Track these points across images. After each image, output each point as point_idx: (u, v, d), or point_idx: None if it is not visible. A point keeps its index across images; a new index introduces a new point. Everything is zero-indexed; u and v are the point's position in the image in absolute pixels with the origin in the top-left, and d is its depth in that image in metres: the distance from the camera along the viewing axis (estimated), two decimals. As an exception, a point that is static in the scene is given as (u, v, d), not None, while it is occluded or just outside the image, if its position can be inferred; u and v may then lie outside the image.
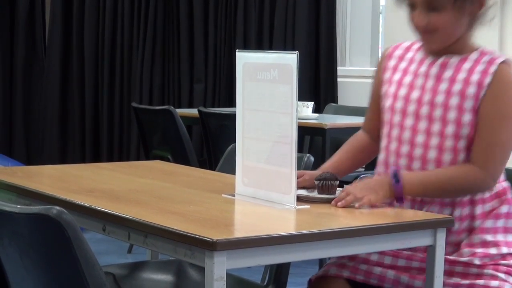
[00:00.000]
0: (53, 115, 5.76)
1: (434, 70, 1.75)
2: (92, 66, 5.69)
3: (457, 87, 1.69)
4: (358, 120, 3.63)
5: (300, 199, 1.75)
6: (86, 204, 1.82)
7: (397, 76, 1.81)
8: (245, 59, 1.91)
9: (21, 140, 5.87)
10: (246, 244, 1.52)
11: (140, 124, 4.32)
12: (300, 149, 2.03)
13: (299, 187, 1.78)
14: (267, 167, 1.86)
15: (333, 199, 1.71)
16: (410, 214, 1.83)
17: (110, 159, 5.56)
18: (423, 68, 1.76)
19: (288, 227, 1.74)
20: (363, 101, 4.50)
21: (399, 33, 5.43)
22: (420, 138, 1.73)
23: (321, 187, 1.71)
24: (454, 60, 1.73)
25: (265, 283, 2.25)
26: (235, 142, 1.98)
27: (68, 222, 1.39)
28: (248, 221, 1.83)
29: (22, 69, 5.78)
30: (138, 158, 5.23)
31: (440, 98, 1.71)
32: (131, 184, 2.22)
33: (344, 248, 1.68)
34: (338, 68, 5.11)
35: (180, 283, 2.37)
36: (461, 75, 1.70)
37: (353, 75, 5.23)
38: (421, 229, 1.71)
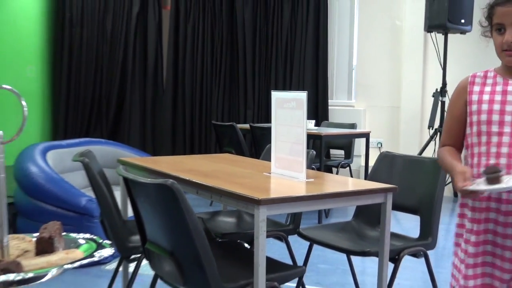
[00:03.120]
0: (168, 127, 7.30)
1: None
2: (189, 97, 7.35)
3: None
4: (340, 131, 5.67)
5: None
6: (187, 178, 2.34)
7: (486, 97, 1.81)
8: (276, 95, 2.50)
9: (150, 141, 7.40)
10: (277, 201, 2.01)
11: (217, 132, 6.00)
12: (307, 147, 2.41)
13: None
14: (289, 157, 2.42)
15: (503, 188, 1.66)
16: (369, 184, 2.44)
17: (199, 152, 7.23)
18: (510, 87, 1.78)
19: (300, 191, 2.20)
20: (343, 120, 6.43)
21: (364, 82, 6.99)
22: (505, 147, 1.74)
23: (491, 180, 1.65)
24: None
25: (287, 223, 2.90)
26: (270, 143, 2.58)
27: (177, 189, 1.83)
28: (278, 188, 2.32)
29: (151, 99, 7.37)
30: (215, 152, 6.73)
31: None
32: (212, 166, 2.77)
33: (330, 204, 2.34)
34: (329, 100, 6.94)
35: (240, 223, 3.00)
36: None
37: (337, 105, 7.06)
38: (377, 193, 2.26)
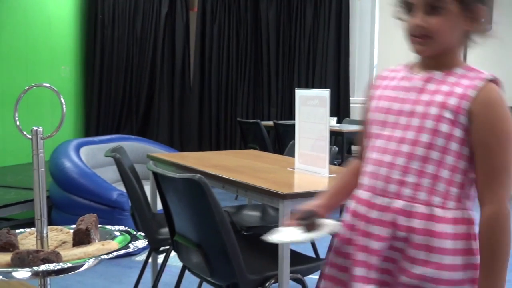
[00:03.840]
0: (194, 124, 7.32)
1: (418, 83, 1.34)
2: (215, 95, 7.34)
3: (439, 98, 1.28)
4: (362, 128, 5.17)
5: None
6: (213, 173, 2.33)
7: (386, 92, 1.41)
8: (300, 93, 2.48)
9: (177, 137, 7.40)
10: (301, 195, 2.00)
11: (241, 129, 6.03)
12: (329, 143, 2.40)
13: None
14: (312, 153, 2.40)
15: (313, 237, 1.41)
16: None
17: (224, 148, 7.20)
18: (406, 83, 1.37)
19: (324, 186, 2.11)
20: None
21: None
22: (392, 146, 1.33)
23: (307, 226, 1.39)
24: (438, 74, 1.32)
25: None
26: (294, 139, 2.56)
27: (204, 183, 1.83)
28: (301, 182, 2.33)
29: (178, 97, 7.38)
30: (240, 148, 6.65)
31: (420, 108, 1.30)
32: (237, 162, 2.77)
33: None
34: (350, 98, 6.91)
35: (264, 216, 2.98)
36: (445, 87, 1.29)
37: (358, 102, 6.74)
38: None
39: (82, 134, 7.10)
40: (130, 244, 0.61)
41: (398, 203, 1.31)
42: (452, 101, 1.27)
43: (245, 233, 2.69)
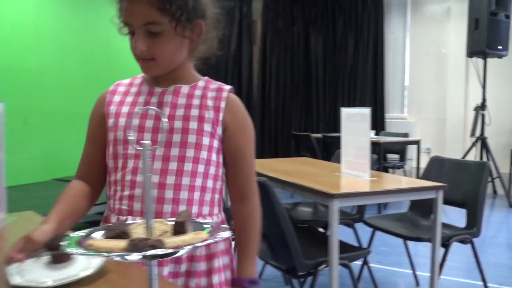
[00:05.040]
0: (257, 136, 7.07)
1: (167, 98, 1.10)
2: (274, 113, 7.34)
3: (194, 112, 1.08)
4: (396, 139, 5.29)
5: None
6: (275, 176, 2.35)
7: (126, 109, 1.11)
8: (345, 111, 2.44)
9: None
10: (347, 195, 1.98)
11: (295, 140, 5.89)
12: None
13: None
14: (355, 160, 2.38)
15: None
16: (423, 182, 2.27)
17: (281, 156, 6.76)
18: (154, 98, 1.11)
19: (366, 188, 2.13)
20: (397, 130, 6.14)
21: (415, 99, 6.65)
22: (157, 165, 1.06)
23: (55, 258, 0.94)
24: (184, 88, 1.11)
25: (354, 213, 2.80)
26: (339, 149, 2.57)
27: (268, 185, 1.83)
28: (347, 184, 2.25)
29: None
30: (294, 156, 6.73)
31: (178, 124, 1.07)
32: (293, 167, 2.75)
33: (391, 198, 2.16)
34: (385, 114, 6.84)
35: (315, 212, 2.94)
36: (196, 101, 1.10)
37: (392, 118, 6.83)
38: (430, 190, 2.17)
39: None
40: (216, 234, 0.62)
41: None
42: (210, 114, 1.09)
43: (300, 225, 2.68)
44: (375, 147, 5.39)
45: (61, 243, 0.64)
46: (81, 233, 0.67)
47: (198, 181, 1.08)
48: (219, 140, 1.11)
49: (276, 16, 7.30)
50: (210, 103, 1.10)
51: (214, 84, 1.14)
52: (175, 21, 1.02)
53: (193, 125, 1.08)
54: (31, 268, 0.89)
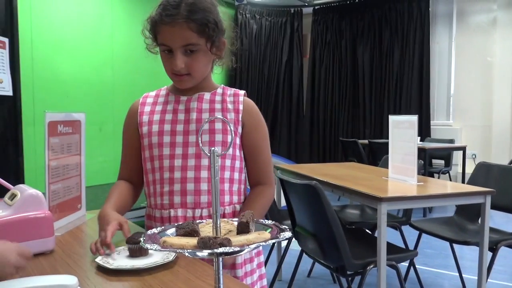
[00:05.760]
0: (306, 142, 7.37)
1: (193, 104, 1.18)
2: (322, 120, 7.24)
3: (218, 115, 1.16)
4: (442, 145, 5.06)
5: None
6: (325, 180, 2.31)
7: (157, 117, 1.19)
8: (393, 118, 2.37)
9: (293, 152, 7.38)
10: (394, 199, 1.93)
11: (342, 146, 5.83)
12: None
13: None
14: (402, 165, 2.31)
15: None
16: (471, 187, 2.17)
17: (329, 161, 7.09)
18: (181, 106, 1.18)
19: (413, 192, 2.06)
20: (443, 136, 5.92)
21: (460, 107, 6.36)
22: (191, 162, 1.15)
23: (132, 251, 0.97)
24: (206, 95, 1.19)
25: (401, 216, 2.72)
26: (386, 154, 2.49)
27: (319, 188, 1.81)
28: (395, 188, 2.19)
29: (294, 122, 7.42)
30: (341, 161, 6.49)
31: (206, 126, 1.14)
32: (341, 171, 2.72)
33: (439, 202, 2.05)
34: (431, 121, 6.50)
35: (363, 214, 2.88)
36: (218, 105, 1.18)
37: (438, 125, 6.53)
38: (478, 194, 2.07)
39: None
40: (278, 235, 0.63)
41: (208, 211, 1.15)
42: (230, 116, 1.18)
43: (348, 227, 2.64)
44: (420, 152, 5.21)
45: (140, 239, 0.72)
46: (155, 230, 0.70)
47: (227, 174, 1.17)
48: (239, 137, 1.19)
49: (325, 30, 7.25)
50: (230, 106, 1.19)
51: (230, 90, 1.23)
52: (210, 42, 1.11)
53: (218, 125, 1.14)
54: (118, 258, 0.97)
